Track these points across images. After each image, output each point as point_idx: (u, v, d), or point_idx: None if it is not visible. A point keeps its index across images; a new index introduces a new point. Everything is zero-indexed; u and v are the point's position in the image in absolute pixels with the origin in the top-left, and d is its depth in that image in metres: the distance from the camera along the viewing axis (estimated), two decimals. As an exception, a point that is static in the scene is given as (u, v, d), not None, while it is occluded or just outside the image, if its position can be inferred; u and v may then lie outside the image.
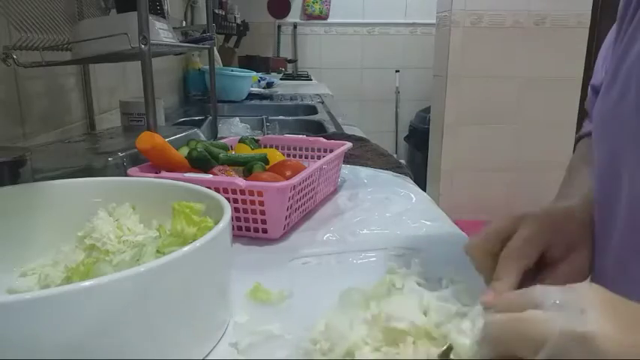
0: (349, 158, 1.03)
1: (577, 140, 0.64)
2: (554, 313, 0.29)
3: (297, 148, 0.92)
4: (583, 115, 0.66)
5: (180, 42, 1.18)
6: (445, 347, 0.35)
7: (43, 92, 0.88)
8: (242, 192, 0.62)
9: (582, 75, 2.69)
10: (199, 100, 2.15)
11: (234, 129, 1.52)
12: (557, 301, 0.29)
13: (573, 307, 0.29)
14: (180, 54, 2.08)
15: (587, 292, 0.30)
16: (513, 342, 0.30)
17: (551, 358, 0.28)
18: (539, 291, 0.31)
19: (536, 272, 0.42)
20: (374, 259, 0.58)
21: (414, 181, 0.95)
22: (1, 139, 0.74)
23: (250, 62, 3.14)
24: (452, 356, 0.34)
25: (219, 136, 1.34)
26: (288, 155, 0.91)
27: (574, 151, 0.64)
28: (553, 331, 0.28)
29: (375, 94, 4.00)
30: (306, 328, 0.39)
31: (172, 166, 0.68)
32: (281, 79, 3.11)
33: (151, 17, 0.73)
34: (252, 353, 0.40)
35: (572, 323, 0.28)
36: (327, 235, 0.66)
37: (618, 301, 0.30)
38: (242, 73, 2.13)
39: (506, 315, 0.31)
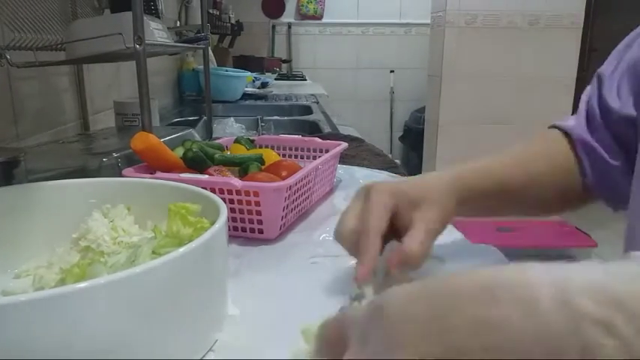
0: (345, 158, 1.03)
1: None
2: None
3: (293, 149, 0.92)
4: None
5: (175, 42, 1.18)
6: None
7: (37, 92, 0.88)
8: (238, 192, 0.62)
9: (576, 75, 2.71)
10: (194, 100, 2.14)
11: (228, 129, 1.51)
12: (363, 330, 0.24)
13: (380, 331, 0.23)
14: (175, 54, 2.07)
15: (391, 299, 0.24)
16: (331, 338, 0.27)
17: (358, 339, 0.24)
18: (348, 319, 0.27)
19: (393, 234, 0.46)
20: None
21: (410, 181, 0.95)
22: (-6, 139, 0.73)
23: (245, 62, 3.14)
24: None
25: (214, 136, 1.34)
26: (284, 155, 0.91)
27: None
28: (355, 318, 0.25)
29: (369, 95, 4.00)
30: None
31: (167, 167, 0.68)
32: (275, 79, 3.10)
33: (145, 17, 0.73)
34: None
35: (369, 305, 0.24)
36: (324, 235, 0.66)
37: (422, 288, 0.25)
38: (236, 73, 2.13)
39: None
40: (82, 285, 0.30)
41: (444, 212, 0.48)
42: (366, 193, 0.48)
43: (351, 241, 0.47)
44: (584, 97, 0.61)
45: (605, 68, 0.58)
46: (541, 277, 0.20)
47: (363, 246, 0.44)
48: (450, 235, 0.67)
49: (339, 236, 0.48)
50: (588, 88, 0.62)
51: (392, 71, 3.94)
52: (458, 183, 0.51)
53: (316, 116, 1.76)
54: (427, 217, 0.46)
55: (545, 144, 0.60)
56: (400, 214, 0.47)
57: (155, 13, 1.06)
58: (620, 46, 0.58)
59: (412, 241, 0.44)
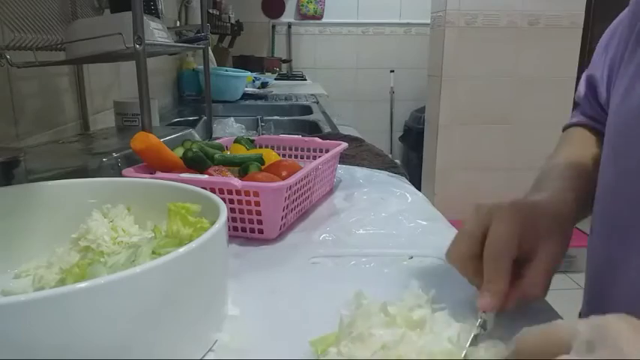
0: (345, 158, 1.03)
1: (564, 129, 0.64)
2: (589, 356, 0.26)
3: (293, 149, 0.92)
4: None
5: (175, 42, 1.18)
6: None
7: (37, 92, 0.88)
8: (238, 192, 0.62)
9: (576, 75, 2.71)
10: (194, 100, 2.14)
11: (228, 129, 1.51)
12: (588, 340, 0.27)
13: (608, 344, 0.26)
14: (175, 54, 2.07)
15: (617, 324, 0.27)
16: None
17: None
18: (564, 329, 0.28)
19: (514, 266, 0.43)
20: (373, 263, 0.58)
21: (409, 181, 0.95)
22: (-6, 139, 0.73)
23: (244, 62, 3.14)
24: None
25: (214, 136, 1.34)
26: (284, 155, 0.91)
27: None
28: (575, 329, 0.26)
29: (369, 94, 4.00)
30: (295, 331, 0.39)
31: (167, 167, 0.68)
32: (275, 79, 3.10)
33: (145, 17, 0.73)
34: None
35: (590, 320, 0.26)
36: (324, 235, 0.66)
37: None
38: (236, 73, 2.13)
39: None
40: (82, 285, 0.30)
41: (567, 241, 0.45)
42: (486, 213, 0.44)
43: (468, 266, 0.44)
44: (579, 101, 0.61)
45: (594, 71, 0.59)
46: None
47: (491, 273, 0.41)
48: (451, 235, 0.67)
49: (453, 259, 0.45)
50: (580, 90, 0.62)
51: (392, 71, 3.94)
52: (578, 205, 0.48)
53: (316, 116, 1.76)
54: (552, 252, 0.43)
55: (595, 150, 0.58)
56: (524, 241, 0.43)
57: (155, 13, 1.06)
58: (599, 49, 0.59)
59: (535, 286, 0.42)
